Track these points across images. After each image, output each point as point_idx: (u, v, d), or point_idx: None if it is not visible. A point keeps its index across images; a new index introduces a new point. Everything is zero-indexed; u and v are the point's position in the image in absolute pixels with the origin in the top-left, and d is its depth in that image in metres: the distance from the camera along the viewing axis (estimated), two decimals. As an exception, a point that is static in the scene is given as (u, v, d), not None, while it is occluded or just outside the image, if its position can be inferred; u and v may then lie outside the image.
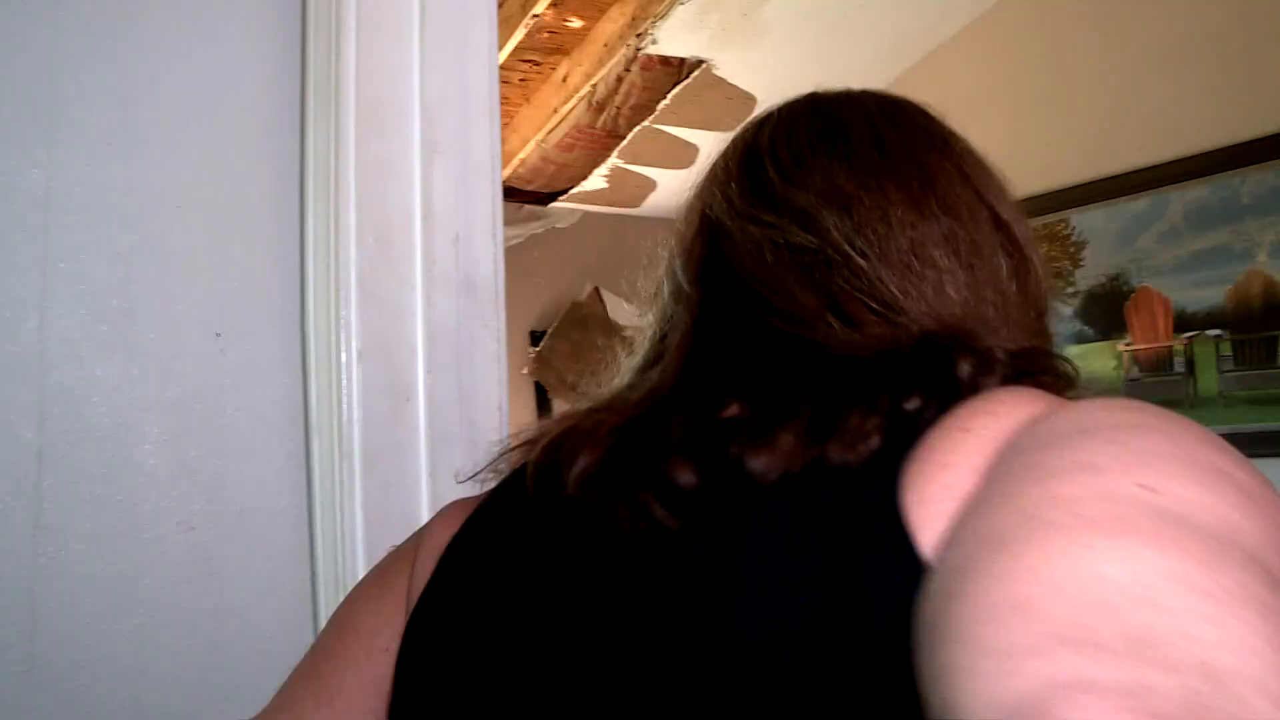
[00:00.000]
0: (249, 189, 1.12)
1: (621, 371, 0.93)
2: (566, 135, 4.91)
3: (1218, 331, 3.76)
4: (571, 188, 5.39)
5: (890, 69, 4.69)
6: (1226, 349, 3.75)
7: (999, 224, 0.81)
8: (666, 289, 0.92)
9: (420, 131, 1.12)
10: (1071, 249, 4.23)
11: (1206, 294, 3.79)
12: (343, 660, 0.77)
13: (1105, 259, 4.12)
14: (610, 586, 0.67)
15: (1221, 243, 3.75)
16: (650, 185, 5.55)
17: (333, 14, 1.10)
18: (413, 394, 1.10)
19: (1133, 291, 4.01)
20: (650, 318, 0.93)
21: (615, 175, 5.37)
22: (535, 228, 5.45)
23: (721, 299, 0.82)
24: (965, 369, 0.64)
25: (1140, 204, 4.00)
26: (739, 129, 0.91)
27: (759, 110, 0.91)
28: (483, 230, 1.17)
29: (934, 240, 0.75)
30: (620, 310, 5.61)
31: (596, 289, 5.58)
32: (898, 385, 0.63)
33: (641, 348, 0.93)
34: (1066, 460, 0.49)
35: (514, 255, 5.36)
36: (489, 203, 1.18)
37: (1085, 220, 4.18)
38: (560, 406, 5.52)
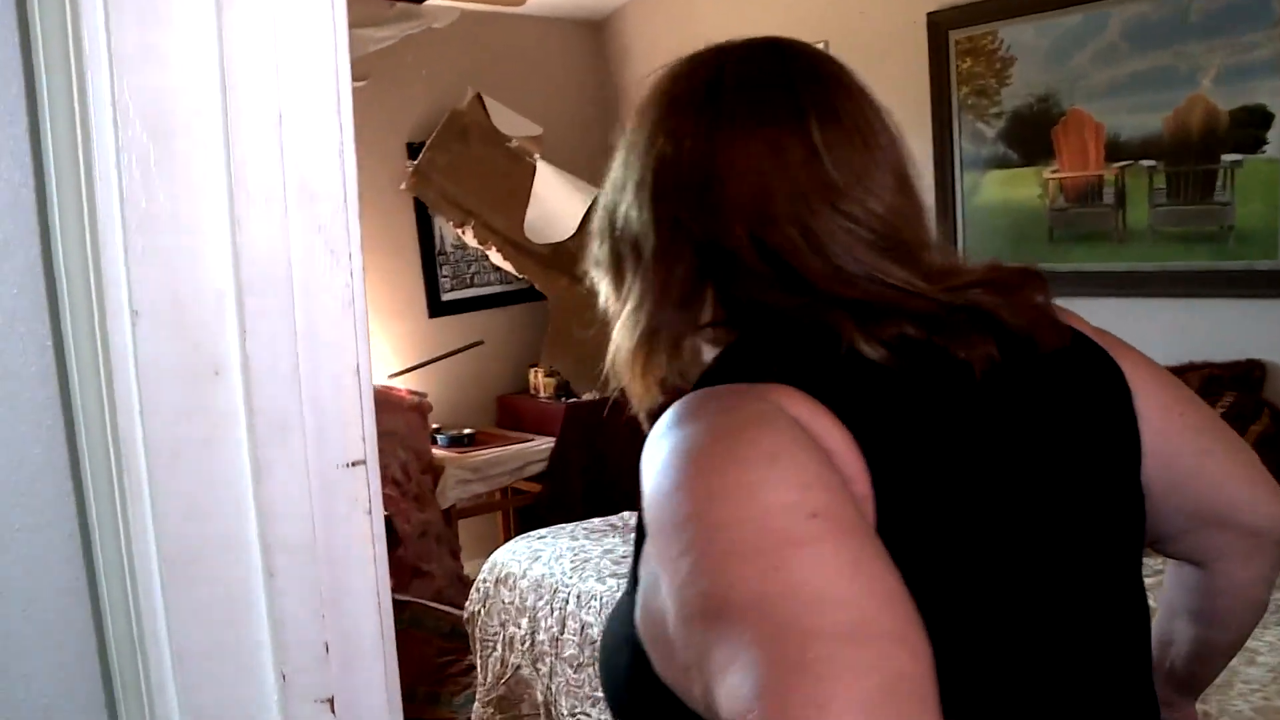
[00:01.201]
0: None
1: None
2: (443, -80, 4.33)
3: (1152, 162, 3.51)
4: (450, -19, 4.82)
5: None
6: (1160, 181, 3.51)
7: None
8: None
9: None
10: (998, 65, 3.90)
11: (1143, 120, 3.52)
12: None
13: (1034, 77, 3.80)
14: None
15: (1163, 65, 3.45)
16: (538, -21, 5.01)
17: None
18: (222, 367, 0.74)
19: (1063, 114, 3.72)
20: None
21: (499, -33, 4.81)
22: (409, 28, 4.88)
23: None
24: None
25: (1075, 19, 3.66)
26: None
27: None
28: (322, 101, 0.78)
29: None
30: (504, 117, 5.14)
31: (478, 95, 5.08)
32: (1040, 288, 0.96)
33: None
34: None
35: (386, 60, 4.81)
36: (329, 54, 0.79)
37: (1014, 34, 3.84)
38: (443, 225, 5.08)
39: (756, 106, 0.92)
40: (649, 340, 0.93)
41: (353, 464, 0.81)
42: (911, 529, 0.79)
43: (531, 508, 4.91)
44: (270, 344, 0.75)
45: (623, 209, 0.96)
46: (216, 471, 0.75)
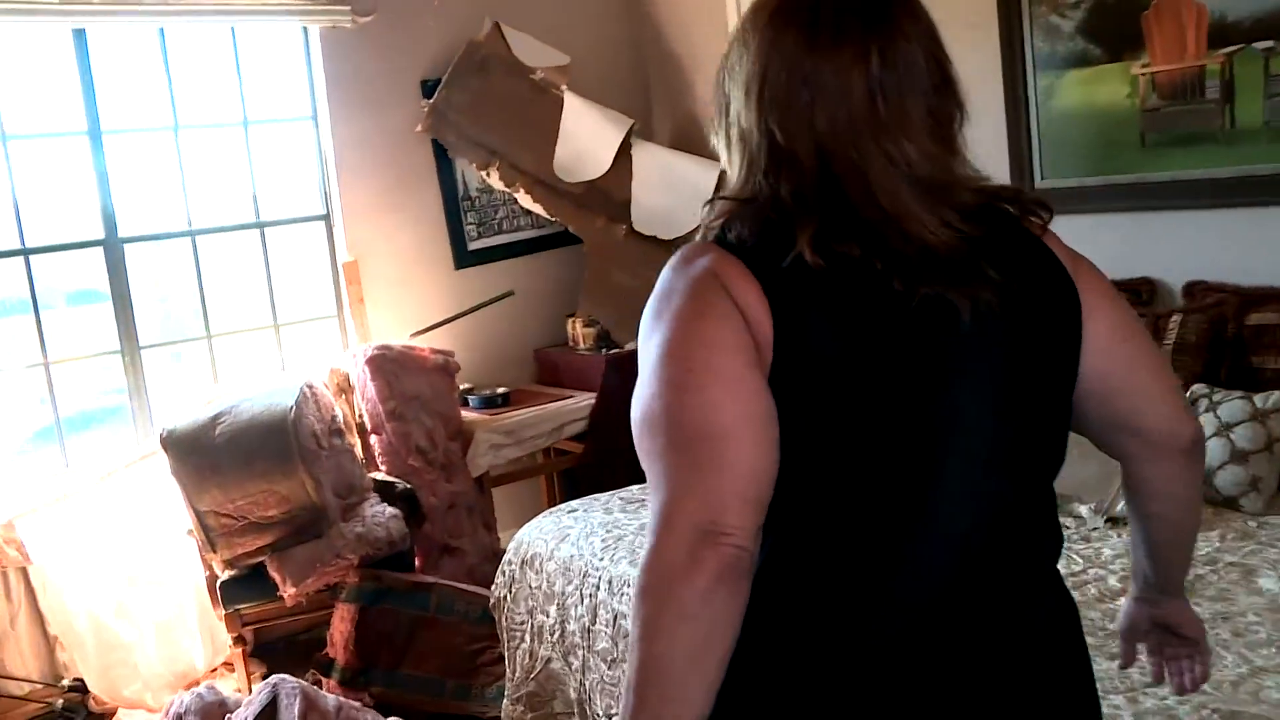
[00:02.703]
0: None
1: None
2: None
3: (1269, 44, 2.97)
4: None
5: None
6: (1278, 67, 2.98)
7: None
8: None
9: None
10: (1075, -55, 3.38)
11: (1253, -5, 2.98)
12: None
13: (1119, -45, 3.28)
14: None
15: (1277, -75, 2.91)
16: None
17: None
18: None
19: (1154, -2, 3.20)
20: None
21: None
22: (417, -48, 4.45)
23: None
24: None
25: (1167, -121, 3.12)
26: None
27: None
28: None
29: None
30: (526, 47, 4.69)
31: (497, 24, 4.63)
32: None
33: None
34: None
35: (389, -13, 4.40)
36: None
37: (1094, -94, 3.30)
38: (466, 168, 4.67)
39: (839, 38, 1.12)
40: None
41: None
42: (794, 376, 1.10)
43: (575, 470, 4.54)
44: None
45: (734, 107, 1.19)
46: None
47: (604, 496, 3.23)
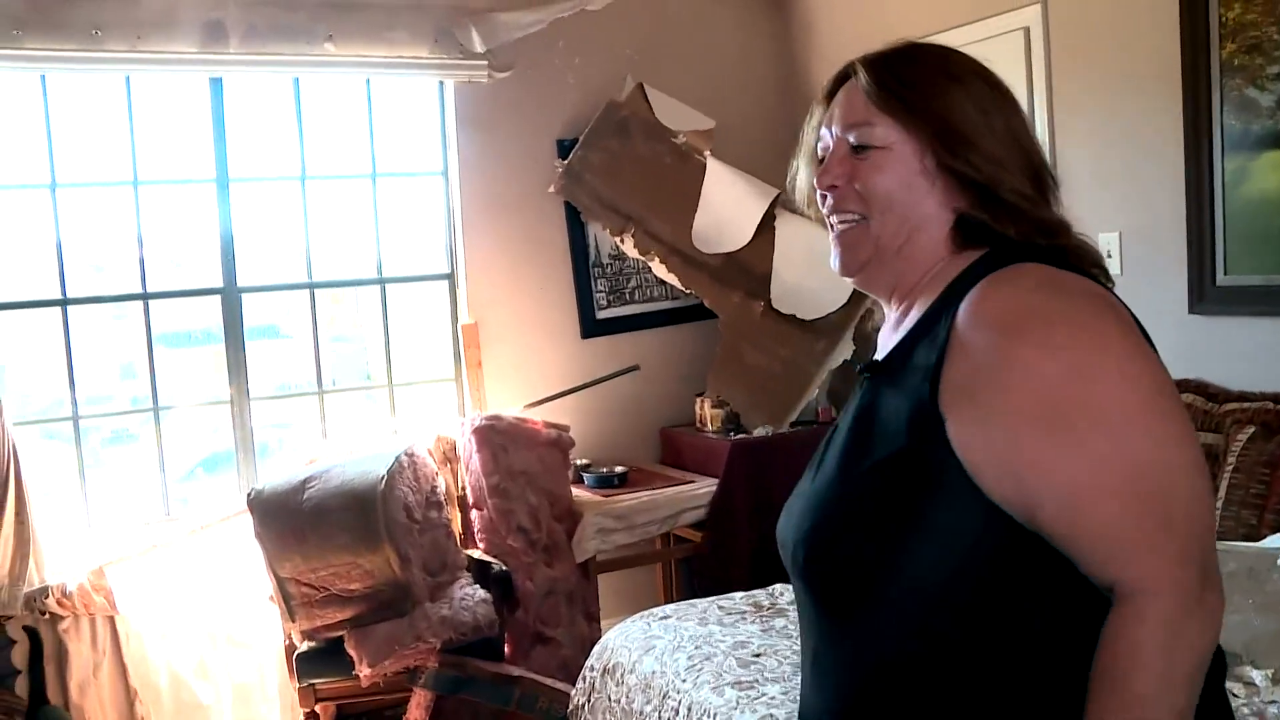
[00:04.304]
0: None
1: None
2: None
3: None
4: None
5: None
6: None
7: None
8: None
9: None
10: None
11: None
12: None
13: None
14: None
15: None
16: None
17: None
18: None
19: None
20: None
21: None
22: (560, 10, 4.29)
23: None
24: None
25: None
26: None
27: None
28: None
29: None
30: (669, 110, 4.46)
31: (640, 85, 4.43)
32: None
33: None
34: None
35: (533, 46, 4.24)
36: None
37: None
38: (599, 233, 4.45)
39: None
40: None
41: None
42: None
43: (691, 561, 4.20)
44: None
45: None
46: None
47: (702, 604, 2.89)
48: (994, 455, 1.00)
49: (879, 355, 1.21)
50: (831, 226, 1.21)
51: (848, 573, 1.10)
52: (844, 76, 1.22)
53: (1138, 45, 3.27)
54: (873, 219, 1.16)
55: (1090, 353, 0.99)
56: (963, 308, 1.06)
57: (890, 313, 1.23)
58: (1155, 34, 3.19)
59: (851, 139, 1.17)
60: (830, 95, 1.23)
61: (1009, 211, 1.12)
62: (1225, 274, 3.07)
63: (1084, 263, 1.13)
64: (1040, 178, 1.15)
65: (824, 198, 1.21)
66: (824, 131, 1.22)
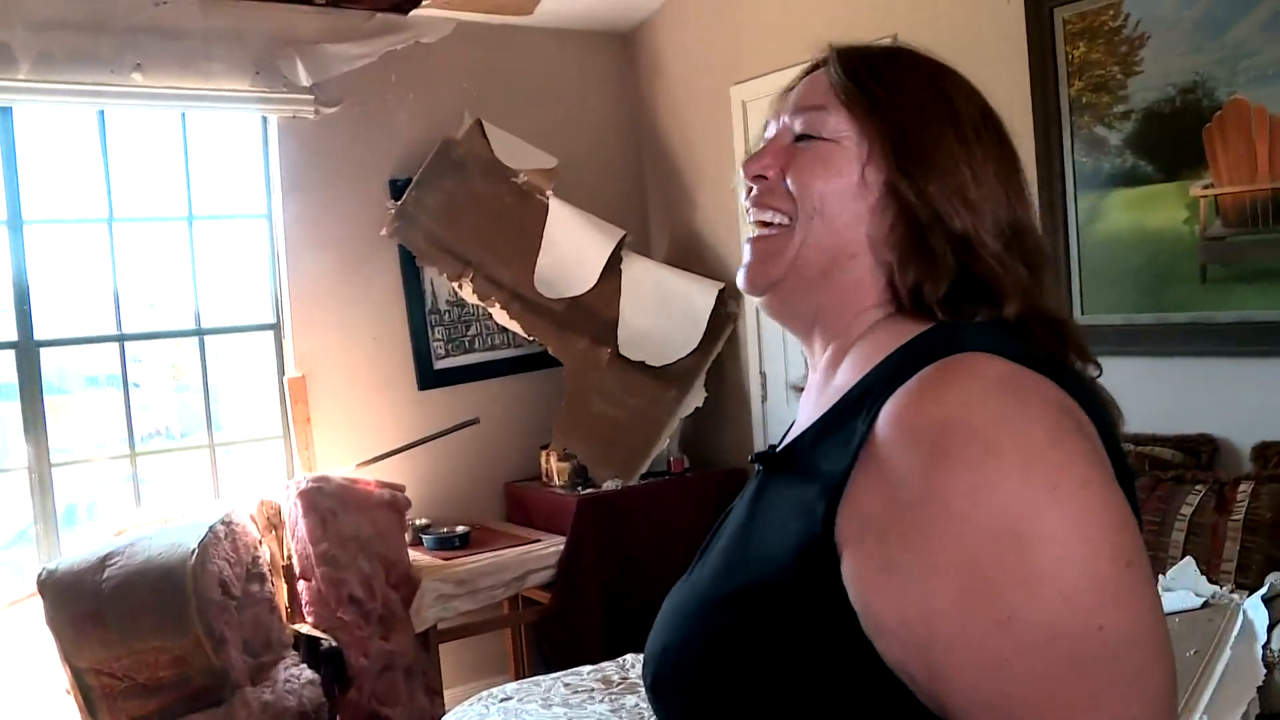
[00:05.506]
0: None
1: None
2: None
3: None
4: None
5: None
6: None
7: None
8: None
9: None
10: (1123, 49, 2.92)
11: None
12: None
13: (1175, 61, 2.81)
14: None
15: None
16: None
17: None
18: None
19: (1218, 109, 2.73)
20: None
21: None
22: (392, 42, 4.07)
23: None
24: None
25: (1233, -24, 2.68)
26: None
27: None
28: None
29: None
30: (509, 148, 4.27)
31: (478, 122, 4.23)
32: None
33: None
34: None
35: (363, 80, 4.00)
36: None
37: (1146, 5, 2.86)
38: (436, 278, 4.22)
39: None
40: None
41: None
42: None
43: (539, 625, 3.97)
44: None
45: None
46: None
47: (546, 681, 2.67)
48: (901, 616, 0.76)
49: (793, 433, 0.96)
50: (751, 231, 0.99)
51: (696, 708, 0.88)
52: (814, 67, 1.00)
53: (992, 86, 3.22)
54: (798, 224, 0.94)
55: (1037, 500, 0.74)
56: (889, 407, 0.81)
57: (813, 367, 0.99)
58: (1001, 77, 3.14)
59: (798, 126, 0.96)
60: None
61: (983, 268, 0.91)
62: (1083, 313, 3.03)
63: (1062, 345, 0.92)
64: (1023, 246, 0.93)
65: (749, 190, 0.98)
66: (771, 123, 1.01)
